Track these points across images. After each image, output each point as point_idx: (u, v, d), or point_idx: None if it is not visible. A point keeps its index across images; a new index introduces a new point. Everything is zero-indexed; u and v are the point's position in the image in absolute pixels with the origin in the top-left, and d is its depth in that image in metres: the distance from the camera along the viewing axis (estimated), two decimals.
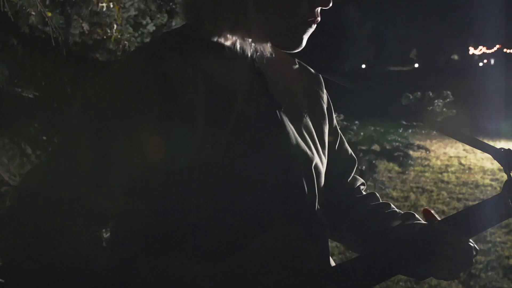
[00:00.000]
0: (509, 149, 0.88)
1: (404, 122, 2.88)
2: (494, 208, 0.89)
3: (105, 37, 2.56)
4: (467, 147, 8.26)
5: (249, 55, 0.85)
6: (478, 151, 7.69)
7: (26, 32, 2.23)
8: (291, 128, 0.86)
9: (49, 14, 2.41)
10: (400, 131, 2.91)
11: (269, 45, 0.86)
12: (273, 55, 0.88)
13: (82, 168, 0.73)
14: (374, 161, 2.94)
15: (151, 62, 0.76)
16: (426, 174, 6.39)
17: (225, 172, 0.77)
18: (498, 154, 0.89)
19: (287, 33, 0.84)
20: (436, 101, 2.79)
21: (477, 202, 4.34)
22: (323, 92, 1.01)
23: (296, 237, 0.79)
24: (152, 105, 0.74)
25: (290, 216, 0.83)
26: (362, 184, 1.09)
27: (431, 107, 2.80)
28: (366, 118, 3.29)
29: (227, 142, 0.77)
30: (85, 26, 2.56)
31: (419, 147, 3.12)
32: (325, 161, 0.94)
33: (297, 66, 0.99)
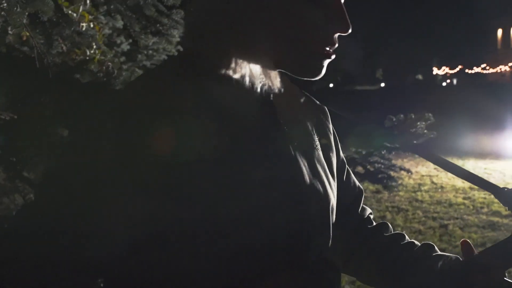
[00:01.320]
0: None
1: (387, 144, 2.89)
2: None
3: (87, 57, 2.49)
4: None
5: (259, 87, 0.80)
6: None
7: (3, 52, 2.15)
8: (304, 164, 0.82)
9: (27, 34, 2.34)
10: (383, 152, 2.93)
11: (278, 76, 0.82)
12: (282, 87, 0.84)
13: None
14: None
15: (155, 96, 0.71)
16: (400, 193, 6.45)
17: (235, 211, 0.71)
18: (502, 194, 0.86)
19: (303, 62, 0.80)
20: (418, 123, 2.82)
21: (452, 221, 4.39)
22: (330, 124, 0.99)
23: (307, 281, 0.76)
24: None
25: (302, 259, 0.78)
26: (370, 213, 1.07)
27: (414, 129, 2.83)
28: (347, 139, 3.29)
29: (239, 179, 0.72)
30: (64, 47, 2.50)
31: (401, 169, 3.14)
32: (335, 195, 0.91)
33: (304, 98, 0.96)
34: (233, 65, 0.76)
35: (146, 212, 0.67)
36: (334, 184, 0.91)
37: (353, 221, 1.01)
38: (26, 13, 1.66)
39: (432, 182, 7.16)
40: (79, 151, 0.71)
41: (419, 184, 7.00)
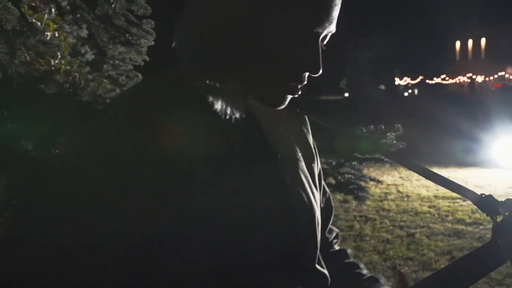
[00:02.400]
0: (490, 195, 0.87)
1: (359, 155, 2.91)
2: (485, 257, 0.85)
3: (52, 68, 2.41)
4: (403, 174, 8.56)
5: (243, 103, 0.81)
6: (414, 179, 7.99)
7: None
8: (290, 177, 0.83)
9: None
10: (354, 163, 2.94)
11: None
12: None
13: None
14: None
15: (149, 114, 0.72)
16: (368, 203, 6.49)
17: (223, 229, 0.72)
18: (480, 201, 0.87)
19: (270, 93, 0.80)
20: (388, 133, 2.85)
21: (418, 229, 4.44)
22: (309, 133, 0.99)
23: None
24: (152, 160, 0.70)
25: (293, 268, 0.80)
26: (336, 236, 1.07)
27: (384, 140, 2.85)
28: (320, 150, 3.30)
29: (227, 197, 0.73)
30: (28, 56, 2.41)
31: (371, 179, 3.16)
32: (319, 206, 0.91)
33: (286, 108, 0.95)
34: (217, 84, 0.78)
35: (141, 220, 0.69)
36: (318, 195, 0.91)
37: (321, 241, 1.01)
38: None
39: (398, 191, 7.26)
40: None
41: (386, 193, 7.09)
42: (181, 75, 0.80)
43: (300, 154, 0.90)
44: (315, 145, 1.00)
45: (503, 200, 0.85)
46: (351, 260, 1.03)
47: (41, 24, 2.53)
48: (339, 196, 5.76)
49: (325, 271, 0.89)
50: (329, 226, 1.06)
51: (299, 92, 0.82)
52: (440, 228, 5.33)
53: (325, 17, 0.76)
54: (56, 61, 2.61)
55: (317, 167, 0.97)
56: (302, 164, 0.90)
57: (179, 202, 0.70)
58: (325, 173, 3.02)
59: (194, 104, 0.76)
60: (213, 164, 0.73)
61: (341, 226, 5.38)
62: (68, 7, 2.20)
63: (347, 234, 5.15)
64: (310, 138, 0.98)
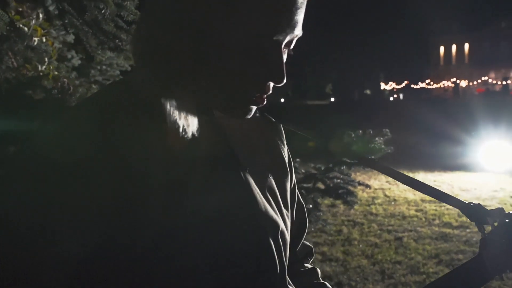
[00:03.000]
0: (479, 203, 0.85)
1: (347, 160, 2.92)
2: (471, 273, 0.83)
3: (40, 73, 2.39)
4: (390, 179, 8.61)
5: (208, 116, 0.77)
6: (400, 183, 8.04)
7: None
8: (257, 191, 0.79)
9: None
10: (343, 168, 2.96)
11: None
12: None
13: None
14: (318, 199, 2.94)
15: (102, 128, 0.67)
16: (356, 207, 6.51)
17: (188, 239, 0.69)
18: (468, 210, 0.85)
19: (232, 105, 0.75)
20: (377, 138, 2.87)
21: (406, 233, 4.44)
22: (284, 145, 0.94)
23: None
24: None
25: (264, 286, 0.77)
26: (309, 253, 1.04)
27: (372, 145, 2.87)
28: (305, 155, 3.29)
29: (191, 207, 0.70)
30: (15, 62, 2.39)
31: (360, 183, 3.18)
32: (289, 224, 0.87)
33: (258, 119, 0.89)
34: (177, 95, 0.73)
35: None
36: (287, 213, 0.87)
37: (290, 257, 0.96)
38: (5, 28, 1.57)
39: (385, 195, 7.30)
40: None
41: (373, 198, 7.12)
42: (133, 85, 0.76)
43: (270, 169, 0.86)
44: (290, 157, 0.95)
45: (491, 207, 0.83)
46: (320, 281, 0.99)
47: (29, 29, 2.51)
48: (327, 201, 5.77)
49: None
50: (302, 241, 1.01)
51: (264, 102, 0.76)
52: (427, 231, 5.36)
53: (285, 24, 0.69)
54: (44, 67, 2.59)
55: (290, 181, 0.92)
56: (271, 180, 0.85)
57: (134, 219, 0.66)
58: (314, 178, 3.03)
59: (143, 116, 0.70)
60: (172, 177, 0.69)
61: (330, 231, 5.39)
62: (56, 12, 2.17)
63: (336, 239, 5.16)
64: (285, 150, 0.94)
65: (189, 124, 0.74)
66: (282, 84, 0.74)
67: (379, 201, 6.95)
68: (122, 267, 0.66)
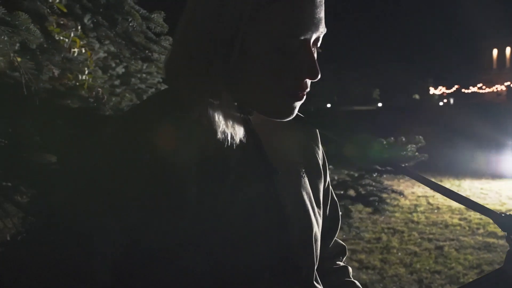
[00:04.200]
0: (510, 214, 0.83)
1: (378, 167, 2.89)
2: (495, 283, 0.81)
3: (77, 83, 2.51)
4: None
5: (241, 120, 0.81)
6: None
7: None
8: (288, 193, 0.83)
9: (19, 59, 2.35)
10: (375, 175, 2.93)
11: None
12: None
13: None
14: (349, 206, 2.93)
15: (143, 131, 0.74)
16: (396, 215, 6.43)
17: (216, 236, 0.74)
18: (499, 219, 0.84)
19: (274, 106, 0.80)
20: (409, 145, 2.82)
21: (447, 242, 4.30)
22: (318, 146, 0.98)
23: None
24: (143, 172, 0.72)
25: (288, 286, 0.80)
26: (341, 252, 1.07)
27: (404, 152, 2.83)
28: (338, 161, 3.26)
29: (221, 210, 0.75)
30: (56, 72, 2.51)
31: (393, 191, 3.14)
32: (321, 223, 0.91)
33: (293, 123, 0.94)
34: (211, 100, 0.78)
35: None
36: (319, 212, 0.91)
37: (322, 254, 0.99)
38: (18, 42, 1.68)
39: (428, 203, 7.13)
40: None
41: (415, 205, 6.97)
42: (175, 91, 0.81)
43: (303, 170, 0.90)
44: (325, 159, 1.00)
45: None
46: (351, 279, 1.02)
47: (68, 41, 2.64)
48: (368, 209, 5.71)
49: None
50: (335, 239, 1.05)
51: (304, 98, 0.81)
52: (470, 241, 5.21)
53: (310, 23, 0.76)
54: (84, 76, 2.71)
55: (323, 182, 0.97)
56: (305, 181, 0.89)
57: (169, 214, 0.72)
58: (346, 185, 3.02)
59: (185, 120, 0.76)
60: (206, 178, 0.74)
61: (368, 238, 5.33)
62: (91, 25, 2.28)
63: (374, 246, 5.09)
64: (320, 153, 0.98)
65: (227, 128, 0.78)
66: (317, 79, 0.79)
67: (422, 208, 6.80)
68: (155, 260, 0.73)
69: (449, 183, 8.66)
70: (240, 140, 0.80)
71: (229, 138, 0.79)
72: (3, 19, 1.41)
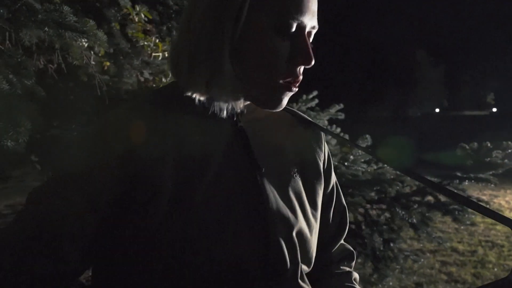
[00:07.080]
0: None
1: (458, 174, 2.73)
2: None
3: (160, 85, 2.66)
4: None
5: (228, 114, 0.83)
6: None
7: (84, 80, 2.36)
8: (272, 191, 0.82)
9: (107, 64, 2.55)
10: (456, 182, 2.76)
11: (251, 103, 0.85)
12: (260, 112, 0.87)
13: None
14: (427, 214, 2.79)
15: (130, 120, 0.77)
16: (497, 227, 5.98)
17: (196, 233, 0.74)
18: None
19: (265, 92, 0.81)
20: (494, 152, 2.63)
21: None
22: (321, 149, 0.96)
23: None
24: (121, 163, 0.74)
25: (271, 284, 0.79)
26: (348, 257, 1.03)
27: (488, 159, 2.64)
28: (415, 167, 3.12)
29: (199, 204, 0.75)
30: (146, 74, 2.68)
31: (478, 200, 2.94)
32: (315, 225, 0.89)
33: (294, 126, 0.95)
34: (201, 91, 0.80)
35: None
36: (313, 214, 0.89)
37: (325, 258, 0.99)
38: (106, 45, 1.82)
39: None
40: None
41: None
42: (171, 85, 0.84)
43: (296, 170, 0.89)
44: (329, 162, 0.99)
45: None
46: (353, 285, 0.98)
47: (151, 45, 2.81)
48: (447, 219, 5.38)
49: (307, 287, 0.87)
50: (341, 243, 1.02)
51: (296, 89, 0.82)
52: None
53: (305, 10, 0.77)
54: (167, 79, 2.87)
55: (323, 185, 0.95)
56: (296, 180, 0.88)
57: (140, 205, 0.73)
58: (425, 192, 2.87)
59: (166, 115, 0.79)
60: (182, 173, 0.75)
61: (462, 250, 5.02)
62: (167, 31, 2.41)
63: (467, 260, 4.78)
64: (322, 156, 0.96)
65: (212, 125, 0.81)
66: (310, 66, 0.80)
67: None
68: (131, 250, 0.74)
69: None
70: (226, 138, 0.82)
71: (212, 135, 0.80)
72: (73, 26, 1.54)
